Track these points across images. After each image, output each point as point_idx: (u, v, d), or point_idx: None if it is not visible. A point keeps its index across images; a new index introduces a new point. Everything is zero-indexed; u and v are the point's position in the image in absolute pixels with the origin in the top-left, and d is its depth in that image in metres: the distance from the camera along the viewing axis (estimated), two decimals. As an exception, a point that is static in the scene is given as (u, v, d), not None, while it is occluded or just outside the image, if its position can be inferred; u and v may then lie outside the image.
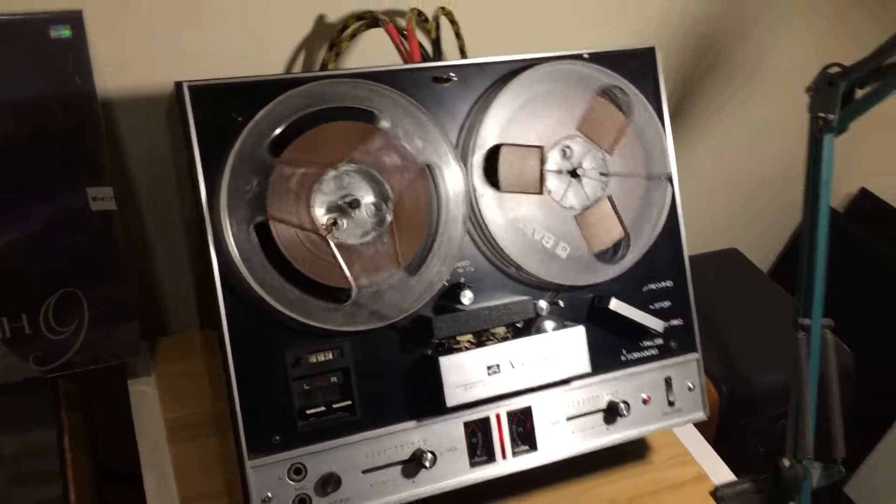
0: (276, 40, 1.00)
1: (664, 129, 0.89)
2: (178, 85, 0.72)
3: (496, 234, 0.81)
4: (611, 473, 0.95)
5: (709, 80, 1.29)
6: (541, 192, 0.83)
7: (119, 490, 1.02)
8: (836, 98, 0.83)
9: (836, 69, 0.84)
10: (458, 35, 1.00)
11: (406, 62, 0.90)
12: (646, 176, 0.88)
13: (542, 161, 0.84)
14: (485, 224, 0.81)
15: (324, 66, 0.97)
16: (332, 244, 0.75)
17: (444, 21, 0.98)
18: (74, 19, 0.88)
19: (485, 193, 0.82)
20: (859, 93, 0.84)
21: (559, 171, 0.85)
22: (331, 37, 0.97)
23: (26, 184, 0.89)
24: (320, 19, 0.99)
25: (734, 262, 1.32)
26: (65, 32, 0.87)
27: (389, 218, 0.77)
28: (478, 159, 0.81)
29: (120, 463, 0.96)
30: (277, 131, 0.74)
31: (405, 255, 0.78)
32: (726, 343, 1.15)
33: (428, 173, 0.79)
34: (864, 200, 1.47)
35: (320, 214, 0.76)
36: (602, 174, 0.86)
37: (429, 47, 0.97)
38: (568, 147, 0.85)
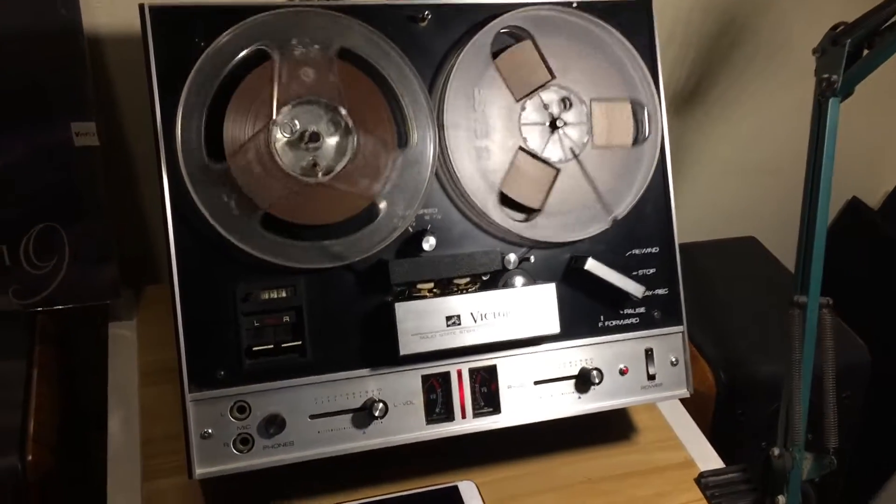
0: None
1: (659, 99, 0.84)
2: (141, 7, 0.71)
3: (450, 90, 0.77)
4: (592, 450, 0.91)
5: (733, 56, 1.23)
6: (517, 99, 0.80)
7: (87, 430, 1.02)
8: (841, 58, 0.77)
9: (842, 27, 0.78)
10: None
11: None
12: (599, 197, 0.83)
13: (544, 85, 0.80)
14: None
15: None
16: (329, 184, 0.74)
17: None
18: (63, -50, 0.87)
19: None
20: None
21: (546, 107, 0.81)
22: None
23: (8, 116, 0.89)
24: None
25: (750, 251, 1.26)
26: (51, -37, 0.86)
27: (350, 122, 0.75)
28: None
29: (93, 403, 0.96)
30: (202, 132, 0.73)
31: (388, 138, 0.76)
32: (730, 330, 1.09)
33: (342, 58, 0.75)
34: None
35: (294, 163, 0.74)
36: (573, 151, 0.82)
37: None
38: (569, 101, 0.82)
